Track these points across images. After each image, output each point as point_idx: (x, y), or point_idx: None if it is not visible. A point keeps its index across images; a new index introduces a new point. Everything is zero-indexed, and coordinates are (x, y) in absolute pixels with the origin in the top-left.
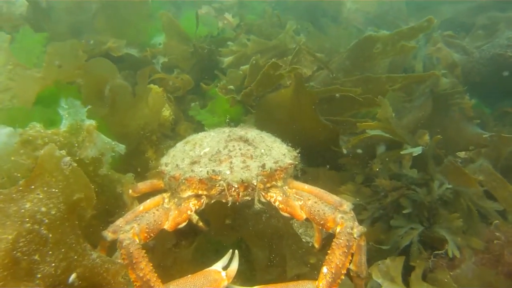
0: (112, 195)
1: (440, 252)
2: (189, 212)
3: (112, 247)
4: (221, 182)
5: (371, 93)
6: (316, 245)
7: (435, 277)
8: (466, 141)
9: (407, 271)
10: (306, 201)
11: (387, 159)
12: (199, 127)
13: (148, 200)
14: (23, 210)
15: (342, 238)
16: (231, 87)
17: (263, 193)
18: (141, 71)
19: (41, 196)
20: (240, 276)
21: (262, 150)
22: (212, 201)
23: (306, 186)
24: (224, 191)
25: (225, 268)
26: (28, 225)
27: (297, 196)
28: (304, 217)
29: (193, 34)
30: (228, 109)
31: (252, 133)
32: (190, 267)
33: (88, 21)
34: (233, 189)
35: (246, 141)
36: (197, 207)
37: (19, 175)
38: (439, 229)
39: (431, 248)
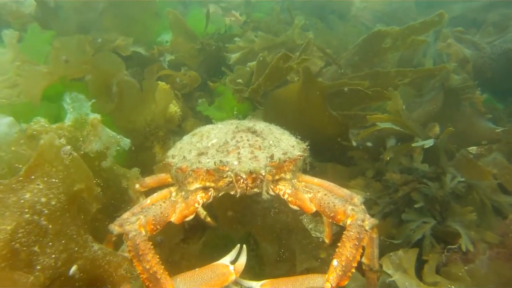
0: (117, 190)
1: (453, 246)
2: (196, 205)
3: (119, 241)
4: (229, 173)
5: (380, 88)
6: (327, 240)
7: (449, 271)
8: (478, 135)
9: (419, 265)
10: (315, 194)
11: (396, 151)
12: (206, 123)
13: (155, 194)
14: (22, 201)
15: (353, 231)
16: (240, 80)
17: (271, 186)
18: (149, 67)
19: (41, 187)
20: (249, 271)
21: (271, 142)
22: (220, 194)
23: (316, 180)
24: (232, 183)
25: (233, 262)
26: (28, 215)
27: (306, 189)
28: (314, 209)
29: (200, 32)
30: (236, 105)
31: (261, 125)
32: (198, 262)
33: (95, 19)
34: (241, 180)
35: (254, 132)
36: (204, 200)
37: (20, 165)
38: (452, 223)
39: (443, 242)
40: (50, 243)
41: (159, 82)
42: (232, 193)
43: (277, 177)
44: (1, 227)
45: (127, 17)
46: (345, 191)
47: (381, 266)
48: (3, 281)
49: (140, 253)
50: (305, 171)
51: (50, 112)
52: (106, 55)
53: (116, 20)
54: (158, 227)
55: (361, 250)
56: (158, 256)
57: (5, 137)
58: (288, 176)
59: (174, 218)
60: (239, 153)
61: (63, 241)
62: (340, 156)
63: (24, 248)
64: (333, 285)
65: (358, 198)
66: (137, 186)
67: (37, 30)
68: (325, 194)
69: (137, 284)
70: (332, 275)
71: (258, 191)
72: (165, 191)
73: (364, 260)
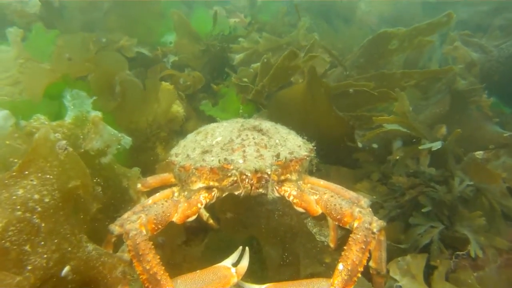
0: (118, 189)
1: (461, 252)
2: (199, 205)
3: (119, 243)
4: (234, 171)
5: (386, 90)
6: (332, 245)
7: (458, 278)
8: (485, 139)
9: (426, 271)
10: (322, 195)
11: (404, 154)
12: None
13: (157, 194)
14: (14, 197)
15: (360, 233)
16: (245, 79)
17: (276, 187)
18: (152, 68)
19: (35, 183)
20: (251, 275)
21: (277, 141)
22: (224, 195)
23: (322, 182)
24: (237, 182)
25: (235, 264)
26: (19, 213)
27: (312, 191)
28: (320, 212)
29: (204, 33)
30: (239, 107)
31: (266, 124)
32: (200, 265)
33: (99, 19)
34: (246, 179)
35: (260, 130)
36: (207, 200)
37: (15, 160)
38: (460, 228)
39: (451, 248)
40: (42, 242)
41: (162, 82)
42: (236, 193)
43: (282, 177)
44: None
45: (131, 17)
46: (351, 193)
47: (388, 271)
48: None
49: (140, 253)
50: (311, 173)
51: (51, 110)
52: (109, 54)
53: (120, 20)
54: (160, 226)
55: (367, 254)
56: (159, 257)
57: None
58: (294, 177)
59: (176, 218)
60: (244, 151)
61: (56, 241)
62: (346, 158)
63: (15, 247)
64: None
65: (364, 201)
66: (139, 186)
67: (42, 30)
68: (332, 196)
69: (137, 286)
70: (337, 279)
71: (262, 191)
72: (167, 191)
73: (371, 263)
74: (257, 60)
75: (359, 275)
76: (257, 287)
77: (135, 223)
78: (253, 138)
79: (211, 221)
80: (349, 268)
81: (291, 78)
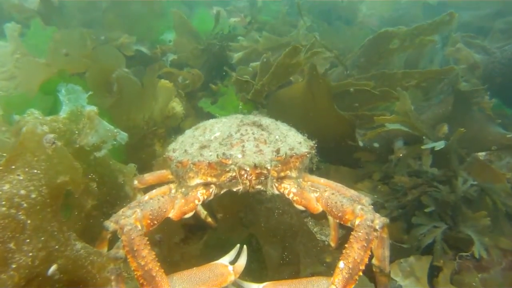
0: (113, 186)
1: (465, 254)
2: (196, 202)
3: (115, 240)
4: (232, 166)
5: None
6: (333, 244)
7: (462, 280)
8: (488, 141)
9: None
10: (322, 193)
11: (405, 154)
12: None
13: (154, 190)
14: (0, 192)
15: (362, 231)
16: (247, 77)
17: (276, 184)
18: (151, 66)
19: (21, 178)
20: (250, 275)
21: (277, 137)
22: (222, 192)
23: (322, 180)
24: (235, 178)
25: (233, 262)
26: (4, 209)
27: (312, 188)
28: (320, 209)
29: (204, 33)
30: (238, 105)
31: (266, 120)
32: (198, 263)
33: (99, 18)
34: (245, 174)
35: (259, 126)
36: (205, 196)
37: (3, 154)
38: (464, 228)
39: (455, 249)
40: (28, 240)
41: (162, 79)
42: (234, 190)
43: (282, 174)
44: None
45: (131, 16)
46: (352, 192)
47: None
48: None
49: (135, 249)
50: (311, 171)
51: (45, 105)
52: (107, 49)
53: (119, 18)
54: (155, 222)
55: (369, 252)
56: (154, 253)
57: None
58: (294, 174)
59: (172, 214)
60: (243, 146)
61: (42, 238)
62: (346, 157)
63: None
64: None
65: (366, 200)
66: (135, 182)
67: (40, 26)
68: (332, 194)
69: (133, 284)
70: (338, 278)
71: (262, 188)
72: (164, 188)
73: (374, 261)
74: (256, 59)
75: (361, 273)
76: (256, 286)
77: (130, 218)
78: (253, 133)
79: (209, 219)
80: (350, 267)
81: (291, 78)
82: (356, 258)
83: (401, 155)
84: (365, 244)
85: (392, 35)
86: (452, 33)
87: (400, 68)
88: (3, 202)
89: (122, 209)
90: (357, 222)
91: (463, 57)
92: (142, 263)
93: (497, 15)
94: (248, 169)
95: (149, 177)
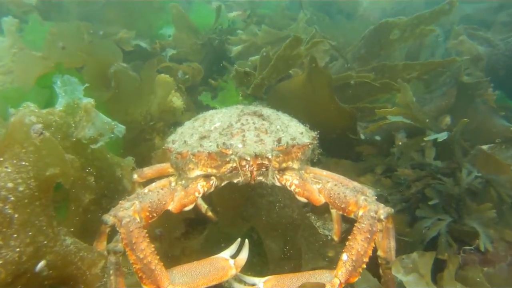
0: (111, 179)
1: (469, 247)
2: (196, 194)
3: (114, 234)
4: (233, 156)
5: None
6: (335, 238)
7: (466, 275)
8: (492, 133)
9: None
10: (325, 184)
11: (408, 146)
12: None
13: (153, 184)
14: None
15: (365, 222)
16: (247, 69)
17: (277, 176)
18: (149, 60)
19: (9, 170)
20: (251, 269)
21: (278, 127)
22: (223, 184)
23: (325, 172)
24: (236, 169)
25: (234, 256)
26: None
27: (315, 180)
28: (323, 201)
29: (203, 27)
30: (238, 100)
31: (267, 110)
32: (200, 258)
33: (97, 12)
34: (246, 165)
35: (260, 116)
36: (205, 189)
37: None
38: (469, 220)
39: (459, 242)
40: (15, 235)
41: (162, 74)
42: (235, 181)
43: (284, 165)
44: None
45: (130, 10)
46: (355, 184)
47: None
48: None
49: (133, 241)
50: (312, 164)
51: (42, 98)
52: (104, 43)
53: (118, 13)
54: (154, 215)
55: (373, 244)
56: (153, 246)
57: None
58: (295, 165)
59: (172, 207)
60: (244, 135)
61: (30, 233)
62: (348, 151)
63: None
64: (341, 281)
65: (369, 192)
66: (135, 176)
67: (38, 21)
68: (335, 185)
69: (133, 280)
70: (341, 270)
71: (263, 179)
72: (164, 181)
73: (379, 253)
74: (255, 53)
75: (364, 266)
76: (258, 279)
77: (129, 210)
78: (253, 123)
79: (210, 213)
80: (353, 259)
81: (290, 71)
82: (359, 250)
83: (400, 143)
84: (369, 236)
85: (392, 25)
86: (455, 25)
87: (401, 61)
88: None
89: (121, 202)
90: (360, 213)
91: (466, 49)
92: (141, 256)
93: (500, 8)
94: (249, 158)
95: (149, 171)
